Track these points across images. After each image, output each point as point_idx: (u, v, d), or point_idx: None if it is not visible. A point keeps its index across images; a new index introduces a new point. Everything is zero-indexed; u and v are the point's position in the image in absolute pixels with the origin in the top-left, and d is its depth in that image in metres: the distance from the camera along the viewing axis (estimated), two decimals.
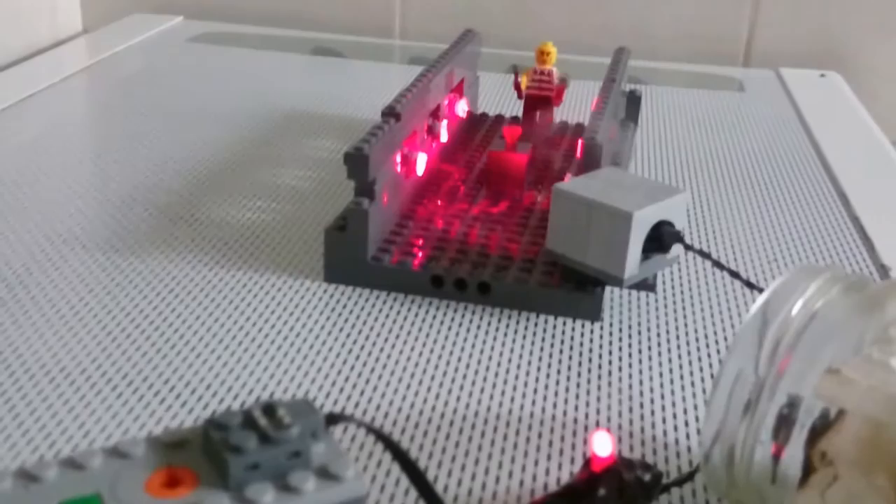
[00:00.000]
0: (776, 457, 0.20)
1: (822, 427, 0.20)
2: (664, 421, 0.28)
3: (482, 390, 0.29)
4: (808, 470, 0.20)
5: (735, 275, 0.30)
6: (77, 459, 0.18)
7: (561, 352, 0.31)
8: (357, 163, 0.33)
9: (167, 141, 0.48)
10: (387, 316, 0.33)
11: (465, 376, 0.30)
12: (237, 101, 0.54)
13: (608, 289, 0.34)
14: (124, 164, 0.45)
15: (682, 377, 0.30)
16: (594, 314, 0.33)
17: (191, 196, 0.42)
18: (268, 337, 0.32)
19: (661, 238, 0.32)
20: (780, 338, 0.21)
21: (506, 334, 0.32)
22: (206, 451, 0.19)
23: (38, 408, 0.27)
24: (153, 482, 0.18)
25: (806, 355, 0.20)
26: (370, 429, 0.20)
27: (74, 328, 0.31)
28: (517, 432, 0.27)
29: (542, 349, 0.32)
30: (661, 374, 0.30)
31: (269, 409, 0.19)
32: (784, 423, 0.20)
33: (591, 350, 0.32)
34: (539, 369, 0.30)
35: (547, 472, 0.26)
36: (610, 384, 0.30)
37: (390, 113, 0.36)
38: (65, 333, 0.31)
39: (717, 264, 0.31)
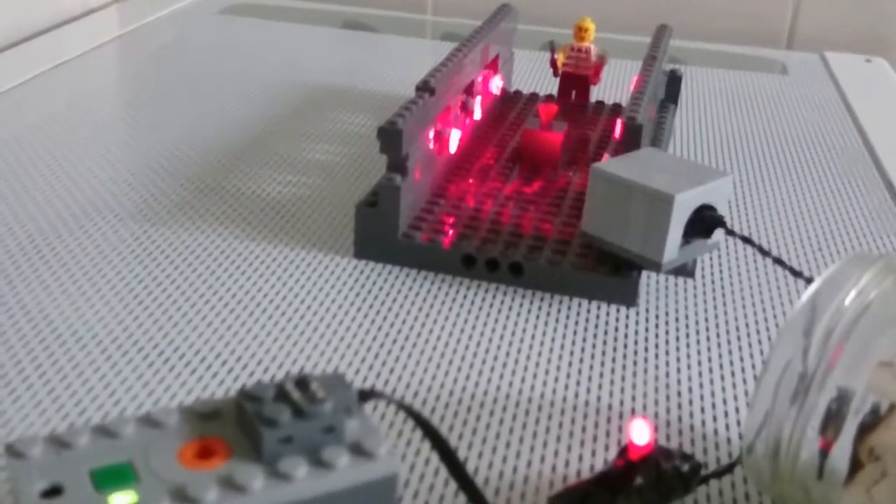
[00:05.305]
0: (824, 451, 0.20)
1: (871, 422, 0.20)
2: (703, 411, 0.28)
3: (513, 373, 0.29)
4: (855, 465, 0.20)
5: (780, 262, 0.29)
6: (109, 427, 0.18)
7: (595, 336, 0.31)
8: (390, 137, 0.33)
9: (196, 112, 0.48)
10: (416, 294, 0.33)
11: (496, 358, 0.29)
12: (267, 74, 0.54)
13: (645, 273, 0.34)
14: (154, 134, 0.45)
15: (721, 366, 0.30)
16: (630, 299, 0.33)
17: (221, 167, 0.42)
18: (297, 311, 0.31)
19: (702, 222, 0.31)
20: (832, 329, 0.20)
21: (538, 317, 0.32)
22: (240, 422, 0.18)
23: (68, 374, 0.27)
24: (186, 452, 0.18)
25: (858, 347, 0.20)
26: (403, 406, 0.20)
27: (106, 296, 0.31)
28: (549, 416, 0.27)
29: (575, 333, 0.31)
30: (699, 363, 0.30)
31: (302, 382, 0.19)
32: (833, 417, 0.19)
33: (626, 336, 0.31)
34: (572, 353, 0.30)
35: (580, 458, 0.25)
36: (646, 371, 0.29)
37: (424, 88, 0.35)
38: (97, 301, 0.31)
39: (762, 251, 0.30)
